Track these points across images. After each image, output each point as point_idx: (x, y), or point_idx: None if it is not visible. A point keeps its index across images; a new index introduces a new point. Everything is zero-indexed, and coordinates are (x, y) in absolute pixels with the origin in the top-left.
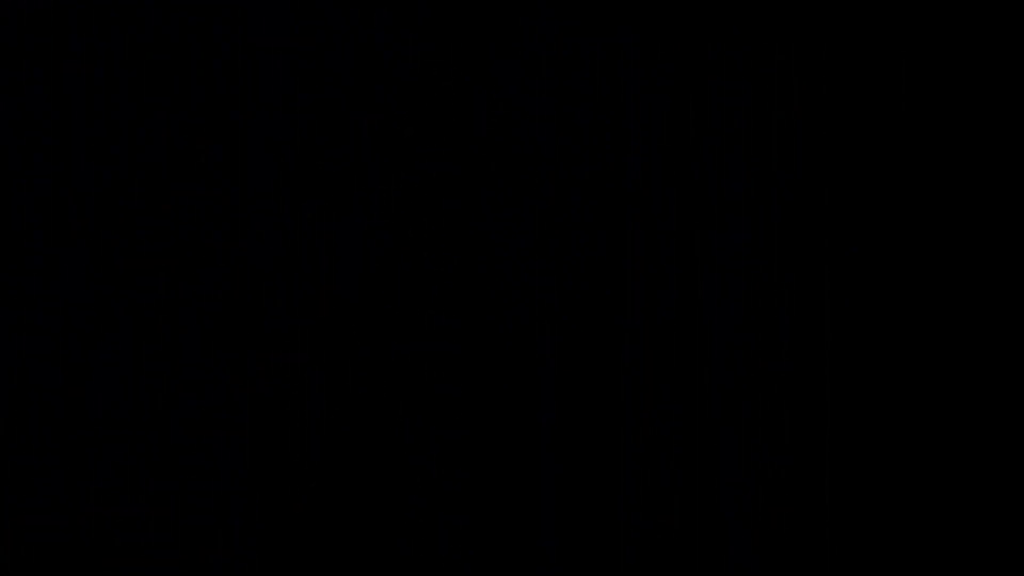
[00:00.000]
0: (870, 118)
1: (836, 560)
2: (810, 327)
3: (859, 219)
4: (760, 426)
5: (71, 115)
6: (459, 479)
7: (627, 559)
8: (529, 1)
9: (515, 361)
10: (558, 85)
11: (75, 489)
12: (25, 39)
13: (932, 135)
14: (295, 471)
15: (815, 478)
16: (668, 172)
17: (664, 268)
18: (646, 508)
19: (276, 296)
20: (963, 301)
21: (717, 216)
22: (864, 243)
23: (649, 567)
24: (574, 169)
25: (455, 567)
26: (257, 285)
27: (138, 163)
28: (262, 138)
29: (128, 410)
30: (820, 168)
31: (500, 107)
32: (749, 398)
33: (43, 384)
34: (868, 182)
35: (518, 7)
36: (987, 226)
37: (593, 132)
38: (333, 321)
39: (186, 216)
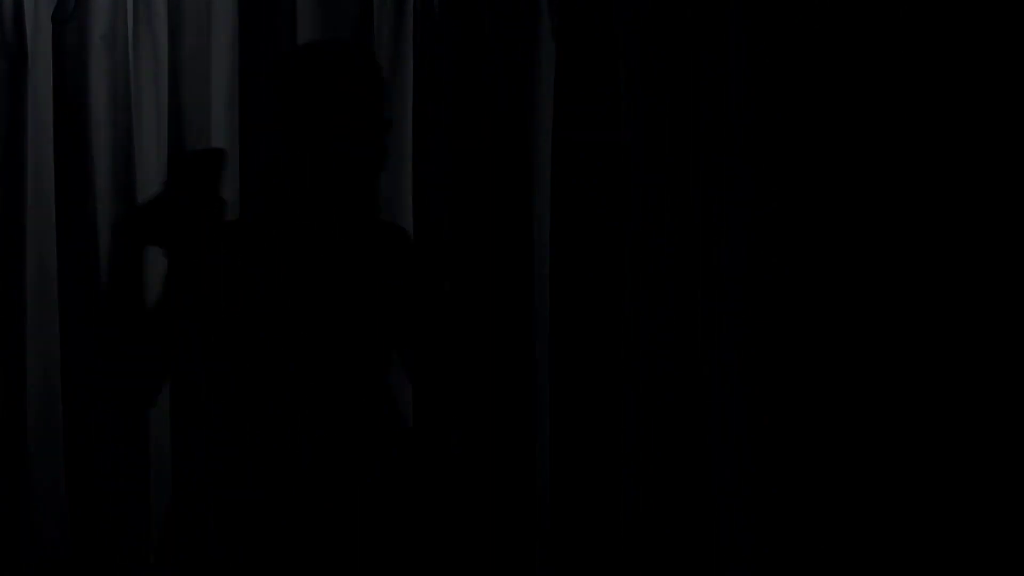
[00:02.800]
0: (869, 118)
1: (835, 561)
2: (809, 327)
3: (858, 220)
4: (758, 426)
5: None
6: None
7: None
8: None
9: (512, 359)
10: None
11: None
12: None
13: (931, 135)
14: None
15: (813, 479)
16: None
17: (662, 268)
18: (645, 508)
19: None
20: (962, 302)
21: (716, 217)
22: (863, 244)
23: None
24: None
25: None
26: None
27: None
28: None
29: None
30: (819, 169)
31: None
32: (748, 399)
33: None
34: (867, 183)
35: None
36: (986, 227)
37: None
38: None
39: None
